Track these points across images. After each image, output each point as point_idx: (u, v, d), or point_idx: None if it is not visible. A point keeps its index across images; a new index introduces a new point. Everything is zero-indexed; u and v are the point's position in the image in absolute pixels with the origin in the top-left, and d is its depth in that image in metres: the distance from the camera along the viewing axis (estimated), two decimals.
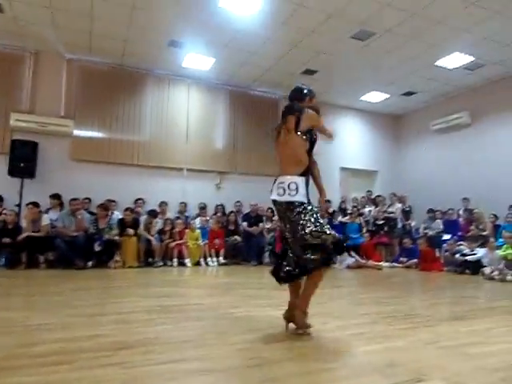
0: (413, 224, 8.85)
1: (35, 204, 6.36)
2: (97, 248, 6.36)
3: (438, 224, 8.35)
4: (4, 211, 6.46)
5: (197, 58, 7.77)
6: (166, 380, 1.64)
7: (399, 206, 8.92)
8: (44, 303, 3.29)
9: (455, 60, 7.55)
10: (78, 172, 7.59)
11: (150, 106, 8.42)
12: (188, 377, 1.68)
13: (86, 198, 7.35)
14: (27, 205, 6.38)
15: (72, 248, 6.13)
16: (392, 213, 8.76)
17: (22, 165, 6.87)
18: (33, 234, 6.13)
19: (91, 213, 7.02)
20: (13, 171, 6.86)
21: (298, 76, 8.51)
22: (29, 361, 1.81)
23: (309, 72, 8.32)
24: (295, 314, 2.43)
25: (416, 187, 9.82)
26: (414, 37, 6.74)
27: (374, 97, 9.68)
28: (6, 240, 5.92)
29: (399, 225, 8.73)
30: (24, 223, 6.33)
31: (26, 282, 4.81)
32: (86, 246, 6.22)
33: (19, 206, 6.83)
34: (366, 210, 9.30)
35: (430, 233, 8.29)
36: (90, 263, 6.22)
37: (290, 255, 2.51)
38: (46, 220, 6.37)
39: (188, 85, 8.77)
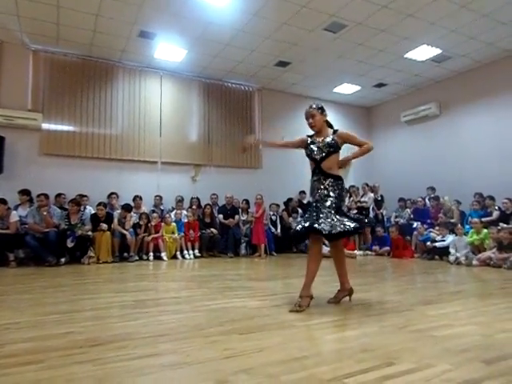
0: (384, 213, 9.10)
1: (2, 201, 6.13)
2: (69, 244, 6.22)
3: (408, 213, 8.61)
4: None
5: (169, 50, 7.64)
6: (139, 375, 1.64)
7: (371, 195, 9.14)
8: (14, 302, 3.20)
9: (423, 52, 7.74)
10: (49, 167, 7.37)
11: (122, 98, 8.23)
12: (162, 371, 1.69)
13: (60, 194, 7.16)
14: None
15: (43, 245, 5.96)
16: (365, 202, 8.96)
17: None
18: (1, 231, 5.92)
19: (63, 208, 6.84)
20: None
21: (272, 68, 8.52)
22: None
23: (282, 64, 8.33)
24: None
25: (387, 177, 10.09)
26: (384, 29, 6.85)
27: (346, 89, 9.80)
28: None
29: (372, 214, 8.94)
30: None
31: None
32: (58, 243, 6.06)
33: None
34: None
35: (401, 221, 8.55)
36: (62, 260, 6.08)
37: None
38: (14, 217, 6.15)
39: (160, 76, 8.62)
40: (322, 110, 3.20)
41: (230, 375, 1.61)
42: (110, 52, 7.74)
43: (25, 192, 6.69)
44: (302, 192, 9.54)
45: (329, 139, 3.15)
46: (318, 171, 3.10)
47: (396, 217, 8.87)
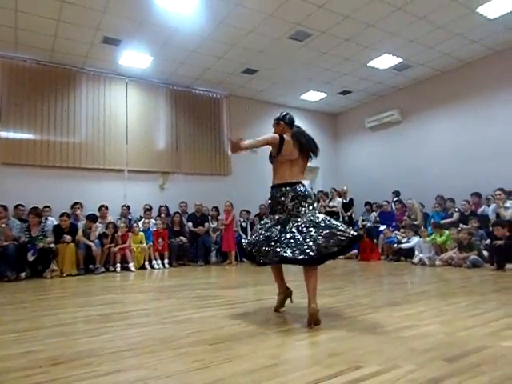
0: (353, 216, 9.30)
1: None
2: (30, 258, 5.94)
3: (374, 216, 8.85)
4: None
5: (134, 56, 7.52)
6: None
7: (339, 200, 9.33)
8: None
9: (385, 61, 8.03)
10: (7, 177, 7.04)
11: (86, 105, 8.00)
12: None
13: (18, 205, 6.84)
14: None
15: (2, 259, 5.66)
16: (334, 207, 9.13)
17: None
18: None
19: (22, 220, 6.53)
20: None
21: (239, 75, 8.56)
22: None
23: (249, 71, 8.39)
24: (316, 312, 2.57)
25: (354, 182, 10.34)
26: (347, 38, 7.05)
27: (313, 96, 9.99)
28: None
29: (340, 218, 9.11)
30: None
31: None
32: (17, 256, 5.77)
33: None
34: None
35: (368, 224, 8.76)
36: (23, 274, 5.78)
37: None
38: None
39: (126, 83, 8.46)
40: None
41: None
42: (73, 58, 7.53)
43: None
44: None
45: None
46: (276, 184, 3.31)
47: (363, 220, 9.09)
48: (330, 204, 9.24)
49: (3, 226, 5.90)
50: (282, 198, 2.98)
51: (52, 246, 6.19)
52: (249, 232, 8.54)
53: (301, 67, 8.27)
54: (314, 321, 2.55)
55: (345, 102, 10.51)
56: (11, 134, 7.18)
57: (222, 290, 4.57)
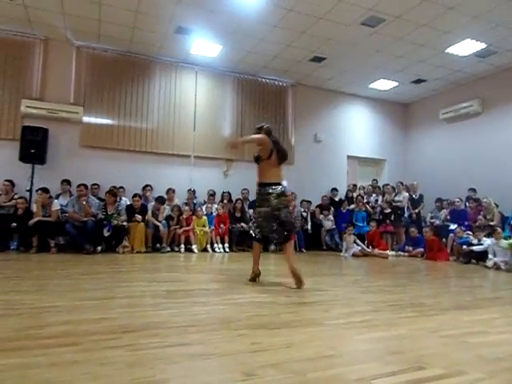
0: (421, 213, 8.82)
1: (45, 190, 6.45)
2: (105, 233, 6.48)
3: (445, 214, 8.31)
4: (15, 196, 6.59)
5: (204, 45, 7.73)
6: (169, 363, 1.69)
7: (406, 194, 8.88)
8: (54, 286, 3.37)
9: (466, 47, 7.41)
10: (88, 158, 7.68)
11: (158, 92, 8.42)
12: (191, 360, 1.73)
13: (95, 184, 7.44)
14: (37, 190, 6.48)
15: (82, 233, 6.24)
16: (399, 202, 8.73)
17: (32, 151, 6.96)
18: (43, 218, 6.24)
19: (100, 199, 7.11)
20: (24, 157, 6.96)
21: (306, 63, 8.43)
22: (37, 342, 1.88)
23: (317, 59, 8.23)
24: (297, 273, 3.59)
25: (424, 176, 9.77)
26: (424, 23, 6.61)
27: (383, 84, 9.55)
28: (14, 225, 6.09)
29: (406, 214, 8.70)
30: (34, 208, 6.44)
31: (36, 266, 4.92)
32: (95, 232, 6.33)
33: (30, 191, 6.94)
34: (372, 198, 9.29)
35: (437, 222, 8.26)
36: (99, 248, 6.34)
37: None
38: (56, 205, 6.47)
39: (196, 72, 8.74)
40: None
41: (257, 369, 1.63)
42: (148, 48, 7.93)
43: (66, 182, 7.00)
44: (334, 189, 9.43)
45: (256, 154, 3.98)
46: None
47: (432, 217, 8.59)
48: (396, 198, 8.83)
49: (84, 202, 6.46)
50: (268, 195, 3.69)
51: (125, 224, 6.67)
52: (309, 222, 8.48)
53: (372, 54, 7.93)
54: (298, 278, 3.57)
55: (418, 91, 9.92)
56: (92, 119, 7.80)
57: (280, 277, 4.60)
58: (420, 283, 4.66)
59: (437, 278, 5.21)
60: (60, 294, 3.06)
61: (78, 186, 6.66)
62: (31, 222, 6.10)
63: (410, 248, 7.77)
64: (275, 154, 3.74)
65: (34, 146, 6.97)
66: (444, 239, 7.64)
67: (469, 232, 7.25)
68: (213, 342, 1.97)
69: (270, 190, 3.68)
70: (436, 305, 3.17)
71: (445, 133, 9.77)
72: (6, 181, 6.65)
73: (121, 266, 5.11)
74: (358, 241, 7.69)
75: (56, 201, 6.61)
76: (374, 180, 9.92)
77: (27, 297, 2.91)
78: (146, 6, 6.32)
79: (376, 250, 7.63)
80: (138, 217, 6.78)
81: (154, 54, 8.24)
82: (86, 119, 7.71)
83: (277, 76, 9.24)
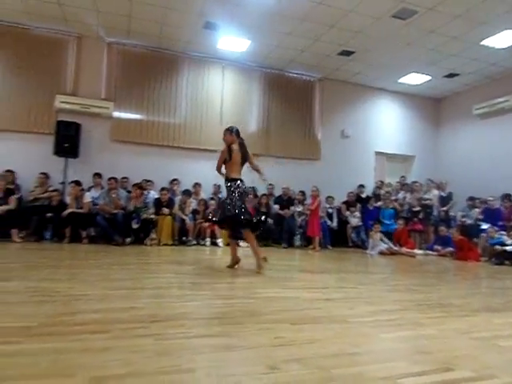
0: (451, 212, 8.56)
1: (77, 182, 6.69)
2: (134, 226, 6.66)
3: (477, 213, 8.02)
4: (50, 188, 6.86)
5: (232, 40, 7.75)
6: (196, 353, 1.72)
7: (436, 192, 8.64)
8: (85, 276, 3.49)
9: (503, 39, 7.10)
10: (118, 152, 7.88)
11: (186, 88, 8.52)
12: (216, 352, 1.76)
13: (124, 177, 7.63)
14: (70, 183, 6.71)
15: (112, 225, 6.43)
16: (428, 199, 8.50)
17: (66, 145, 7.21)
18: (76, 210, 6.47)
19: (130, 192, 7.29)
20: (58, 151, 7.22)
21: (334, 57, 8.31)
22: (70, 328, 1.96)
23: (345, 53, 8.09)
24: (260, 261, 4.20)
25: (455, 174, 9.45)
26: (458, 14, 6.37)
27: (414, 79, 9.29)
28: (49, 215, 6.36)
29: (435, 212, 8.47)
30: (68, 200, 6.68)
31: (69, 256, 5.12)
32: (124, 224, 6.51)
33: (63, 183, 7.21)
34: (400, 195, 9.09)
35: (468, 221, 8.00)
36: (127, 240, 6.52)
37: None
38: (87, 198, 6.69)
39: (223, 67, 8.78)
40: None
41: (281, 363, 1.64)
42: (177, 43, 8.03)
43: (97, 175, 7.22)
44: (361, 186, 9.29)
45: None
46: None
47: (463, 216, 8.31)
48: (425, 196, 8.61)
49: (114, 195, 6.65)
50: (233, 188, 4.32)
51: (153, 216, 6.83)
52: (334, 219, 8.40)
53: (402, 48, 7.72)
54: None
55: (450, 85, 9.59)
56: (122, 114, 7.99)
57: (305, 273, 4.61)
58: (449, 283, 4.54)
59: (467, 278, 5.06)
60: (91, 283, 3.17)
61: (109, 179, 6.86)
62: (64, 213, 6.33)
63: (439, 247, 7.57)
64: (236, 155, 4.43)
65: (67, 140, 7.22)
66: (475, 239, 7.39)
67: (502, 232, 6.99)
68: (237, 335, 1.99)
69: (229, 184, 4.38)
70: (466, 306, 3.08)
71: (478, 129, 9.42)
72: (41, 173, 6.93)
73: (148, 258, 5.24)
74: (384, 238, 7.56)
75: (88, 193, 6.84)
76: (403, 177, 9.70)
77: (60, 285, 3.03)
78: (174, 2, 6.39)
79: (403, 249, 7.47)
80: (165, 210, 6.92)
81: (182, 50, 8.33)
82: (116, 114, 7.91)
83: (304, 70, 9.16)
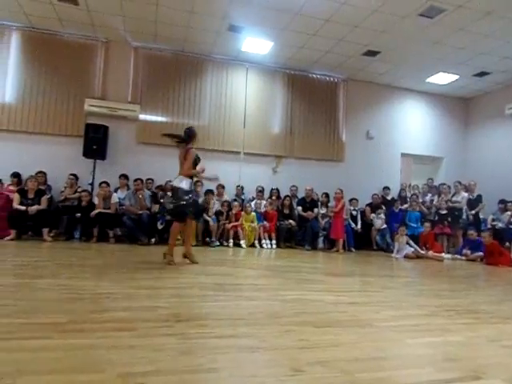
0: (480, 215, 8.28)
1: (107, 183, 6.88)
2: (159, 226, 6.77)
3: (509, 216, 7.73)
4: (79, 189, 7.07)
5: (255, 42, 7.79)
6: (218, 354, 1.73)
7: (465, 195, 8.38)
8: (113, 275, 3.58)
9: None
10: (143, 154, 8.04)
11: (210, 90, 8.62)
12: (240, 352, 1.76)
13: (149, 179, 7.77)
14: (100, 184, 6.91)
15: (137, 225, 6.57)
16: (457, 202, 8.25)
17: (94, 147, 7.42)
18: (103, 210, 6.64)
19: (155, 193, 7.43)
20: (87, 153, 7.44)
21: (359, 57, 8.21)
22: (98, 325, 2.01)
23: (370, 53, 7.98)
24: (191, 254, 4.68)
25: (485, 176, 9.14)
26: (489, 11, 6.17)
27: (442, 78, 9.06)
28: (78, 215, 6.58)
29: (464, 215, 8.21)
30: (96, 201, 6.87)
31: (96, 255, 5.26)
32: (149, 224, 6.63)
33: (92, 184, 7.42)
34: (428, 198, 8.87)
35: (500, 225, 7.72)
36: (153, 240, 6.65)
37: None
38: (114, 198, 6.86)
39: (246, 69, 8.83)
40: None
41: (305, 365, 1.63)
42: (201, 46, 8.13)
43: (124, 176, 7.39)
44: (386, 188, 9.13)
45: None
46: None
47: (493, 220, 8.03)
48: (453, 199, 8.37)
49: (140, 196, 6.79)
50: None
51: None
52: (359, 221, 8.29)
53: (430, 47, 7.54)
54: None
55: (480, 84, 9.29)
56: (148, 117, 8.16)
57: (329, 276, 4.56)
58: (479, 289, 4.40)
59: (498, 284, 4.88)
60: (117, 281, 3.24)
61: (135, 180, 7.01)
62: (93, 213, 6.52)
63: (468, 252, 7.34)
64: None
65: (95, 142, 7.43)
66: (507, 243, 7.12)
67: None
68: (260, 336, 1.99)
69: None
70: (497, 312, 2.97)
71: (510, 129, 9.08)
72: (71, 175, 7.16)
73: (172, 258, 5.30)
74: (411, 242, 7.39)
75: (115, 194, 7.01)
76: (430, 179, 9.47)
77: (89, 283, 3.12)
78: (199, 6, 6.48)
79: (430, 253, 7.28)
80: None
81: (207, 53, 8.43)
82: (142, 117, 8.08)
83: (328, 71, 9.09)
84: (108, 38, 7.95)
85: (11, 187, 6.77)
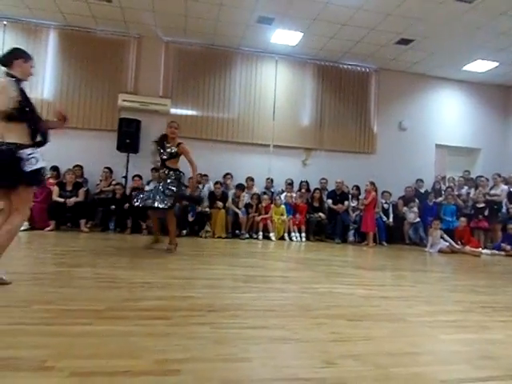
0: None
1: (139, 176, 7.06)
2: (190, 218, 6.92)
3: None
4: (113, 182, 7.31)
5: (285, 34, 7.70)
6: (251, 344, 1.76)
7: (504, 187, 8.01)
8: (146, 264, 3.69)
9: None
10: None
11: (239, 83, 8.63)
12: (272, 343, 1.79)
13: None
14: (133, 177, 7.11)
15: None
16: (496, 195, 7.91)
17: (127, 141, 7.62)
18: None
19: (186, 186, 7.54)
20: (120, 147, 7.65)
21: (392, 46, 7.97)
22: (134, 313, 2.09)
23: (404, 41, 7.72)
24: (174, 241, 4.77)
25: None
26: None
27: (480, 66, 8.64)
28: (113, 207, 6.81)
29: (503, 209, 7.87)
30: (129, 193, 7.07)
31: (130, 245, 5.43)
32: (181, 216, 6.76)
33: (125, 177, 7.64)
34: (464, 191, 8.55)
35: None
36: (184, 232, 6.79)
37: None
38: None
39: (276, 61, 8.77)
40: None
41: (337, 358, 1.63)
42: (230, 39, 8.14)
43: (155, 170, 7.55)
44: (420, 180, 8.87)
45: (173, 150, 4.91)
46: (164, 166, 4.93)
47: None
48: (491, 192, 8.02)
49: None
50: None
51: (207, 210, 7.03)
52: (390, 214, 8.11)
53: (467, 33, 7.21)
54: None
55: None
56: (179, 111, 8.28)
57: (360, 269, 4.50)
58: None
59: None
60: (151, 271, 3.34)
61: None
62: (126, 205, 6.72)
63: (508, 247, 7.04)
64: None
65: (129, 136, 7.62)
66: None
67: None
68: (292, 328, 2.01)
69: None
70: None
71: None
72: (106, 168, 7.40)
73: (203, 250, 5.42)
74: (445, 236, 7.16)
75: (147, 187, 7.18)
76: (466, 171, 9.11)
77: (124, 272, 3.24)
78: None
79: (467, 247, 7.04)
80: (220, 203, 7.09)
81: (236, 45, 8.43)
82: (173, 111, 8.20)
83: (359, 61, 8.88)
84: (140, 34, 8.10)
85: (51, 180, 7.09)
